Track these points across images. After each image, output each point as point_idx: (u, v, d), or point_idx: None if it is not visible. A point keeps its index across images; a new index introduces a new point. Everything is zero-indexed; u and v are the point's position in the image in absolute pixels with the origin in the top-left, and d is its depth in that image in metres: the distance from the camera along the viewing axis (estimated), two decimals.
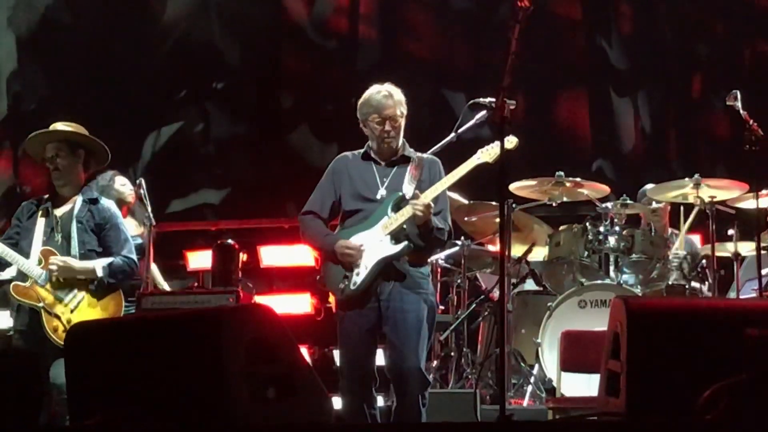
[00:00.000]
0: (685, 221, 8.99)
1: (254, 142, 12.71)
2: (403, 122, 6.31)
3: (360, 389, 6.22)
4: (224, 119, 12.79)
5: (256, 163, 12.60)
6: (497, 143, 6.00)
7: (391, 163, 6.36)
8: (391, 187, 6.28)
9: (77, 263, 6.80)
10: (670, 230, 9.05)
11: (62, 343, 6.52)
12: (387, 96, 6.27)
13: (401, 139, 6.36)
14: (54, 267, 6.73)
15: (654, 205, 8.95)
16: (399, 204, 6.21)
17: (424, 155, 6.46)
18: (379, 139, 6.30)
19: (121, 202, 7.94)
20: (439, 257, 9.22)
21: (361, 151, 6.44)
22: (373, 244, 6.16)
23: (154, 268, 8.69)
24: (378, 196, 6.28)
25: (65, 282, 6.80)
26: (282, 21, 12.85)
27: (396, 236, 6.16)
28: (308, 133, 12.35)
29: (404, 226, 6.16)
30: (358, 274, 6.17)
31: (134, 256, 7.04)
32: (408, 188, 6.25)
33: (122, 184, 8.43)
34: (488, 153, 6.24)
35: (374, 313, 6.20)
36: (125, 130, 11.95)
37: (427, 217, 6.11)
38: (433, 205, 6.14)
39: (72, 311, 6.76)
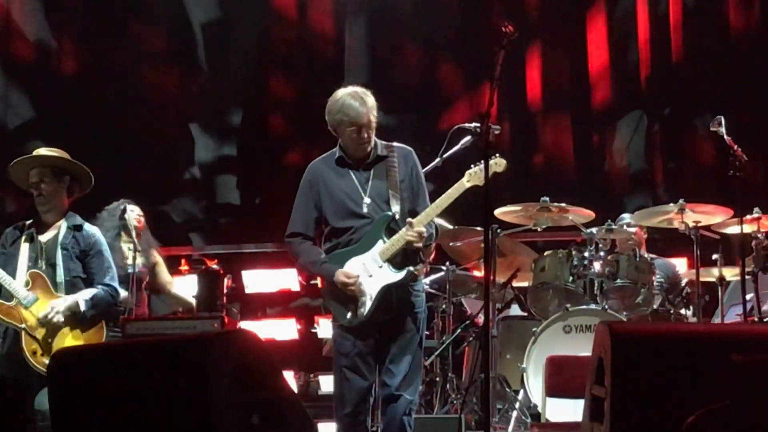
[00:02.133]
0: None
1: (240, 166, 12.70)
2: (375, 123, 6.24)
3: (359, 414, 6.18)
4: (210, 144, 12.77)
5: (242, 187, 12.59)
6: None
7: (367, 166, 6.28)
8: (374, 192, 6.21)
9: (62, 305, 6.79)
10: (648, 255, 9.03)
11: (40, 366, 6.58)
12: (361, 104, 6.16)
13: (374, 140, 6.30)
14: (42, 316, 6.74)
15: (627, 229, 8.95)
16: (390, 225, 6.17)
17: (395, 144, 6.37)
18: (354, 145, 6.23)
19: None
20: (424, 282, 9.20)
21: (333, 154, 6.34)
22: (373, 270, 6.13)
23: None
24: (364, 209, 6.20)
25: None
26: (269, 46, 12.86)
27: (395, 262, 6.14)
28: (294, 157, 12.34)
29: (402, 251, 6.13)
30: (363, 305, 6.13)
31: (116, 284, 7.04)
32: (394, 203, 6.19)
33: (132, 210, 8.48)
34: (476, 176, 6.19)
35: (373, 338, 6.18)
36: (110, 154, 11.93)
37: (421, 242, 6.11)
38: (425, 230, 6.13)
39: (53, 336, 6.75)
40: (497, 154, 6.19)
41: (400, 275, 6.13)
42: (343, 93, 6.26)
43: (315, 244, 6.37)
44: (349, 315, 6.16)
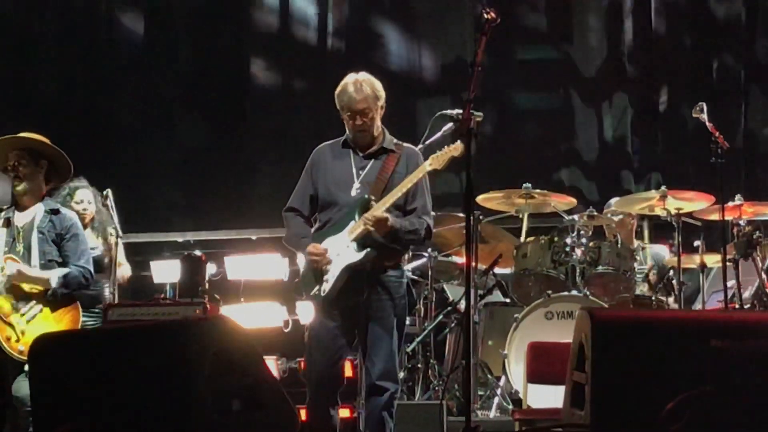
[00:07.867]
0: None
1: (221, 152, 12.67)
2: (378, 113, 6.28)
3: (326, 395, 6.20)
4: (191, 130, 12.74)
5: (224, 173, 12.56)
6: (446, 149, 6.12)
7: (369, 155, 6.31)
8: (365, 181, 6.24)
9: (31, 271, 6.76)
10: (636, 243, 9.05)
11: (14, 353, 6.53)
12: (357, 90, 6.21)
13: (378, 129, 6.32)
14: (9, 272, 6.68)
15: (613, 216, 8.94)
16: (365, 207, 6.18)
17: (404, 144, 6.41)
18: (350, 130, 6.28)
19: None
20: (406, 269, 9.18)
21: (342, 138, 6.39)
22: (341, 249, 6.16)
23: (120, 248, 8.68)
24: (353, 192, 6.24)
25: (24, 292, 6.75)
26: (250, 31, 12.84)
27: (361, 242, 6.14)
28: (276, 144, 12.32)
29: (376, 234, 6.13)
30: (326, 281, 6.17)
31: (91, 267, 7.01)
32: (375, 189, 6.22)
33: (78, 202, 8.34)
34: (438, 160, 6.19)
35: (347, 320, 6.18)
36: (92, 139, 11.91)
37: (382, 230, 6.10)
38: (387, 216, 6.10)
39: (28, 322, 6.70)
40: (457, 140, 6.19)
41: (359, 255, 6.12)
42: (347, 79, 6.32)
43: (308, 223, 6.41)
44: (315, 289, 6.22)
